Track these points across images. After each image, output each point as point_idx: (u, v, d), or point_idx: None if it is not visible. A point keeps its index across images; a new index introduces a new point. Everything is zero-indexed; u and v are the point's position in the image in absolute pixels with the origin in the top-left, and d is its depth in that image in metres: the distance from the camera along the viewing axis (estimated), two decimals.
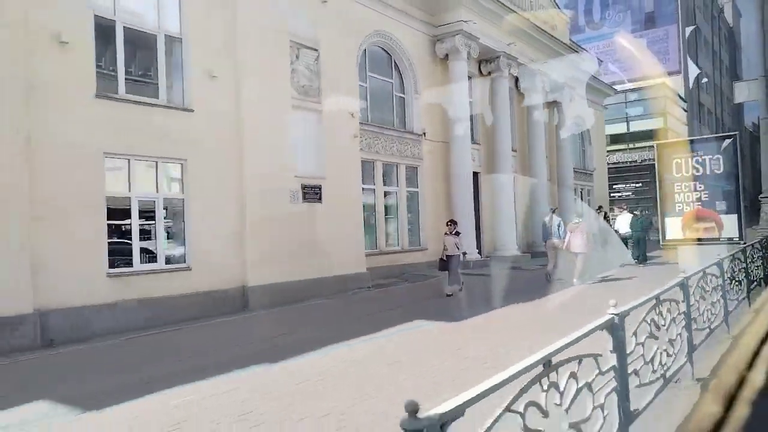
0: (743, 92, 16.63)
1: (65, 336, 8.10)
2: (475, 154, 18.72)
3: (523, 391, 2.10)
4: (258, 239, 10.70)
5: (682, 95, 41.00)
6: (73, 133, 8.38)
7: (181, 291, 9.63)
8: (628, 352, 3.32)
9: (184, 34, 10.14)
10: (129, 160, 9.26)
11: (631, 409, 3.24)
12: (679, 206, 9.87)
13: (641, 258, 14.63)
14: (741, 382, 0.80)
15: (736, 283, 7.36)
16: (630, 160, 38.85)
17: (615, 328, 3.10)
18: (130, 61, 9.71)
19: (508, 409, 1.99)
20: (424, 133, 16.90)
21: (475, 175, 18.48)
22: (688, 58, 42.36)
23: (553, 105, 23.91)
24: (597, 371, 2.82)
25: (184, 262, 9.94)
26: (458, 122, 16.93)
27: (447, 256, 11.63)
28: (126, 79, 9.38)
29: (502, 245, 18.93)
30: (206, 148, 10.15)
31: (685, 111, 40.96)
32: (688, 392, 4.32)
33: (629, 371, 3.31)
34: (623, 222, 14.97)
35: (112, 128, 8.88)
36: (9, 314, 7.58)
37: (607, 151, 35.04)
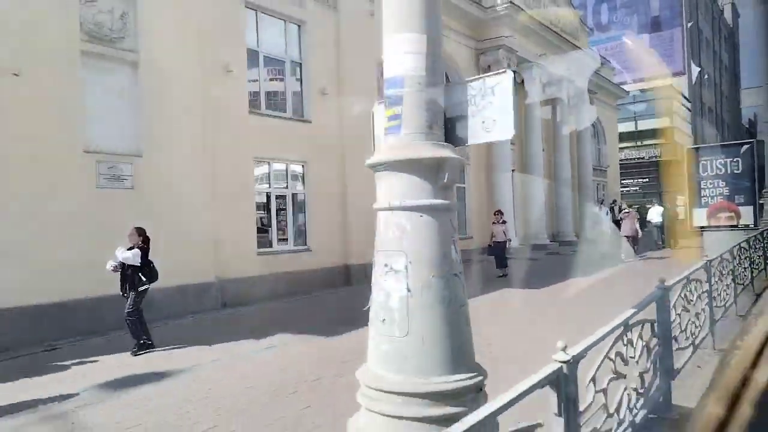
0: (751, 98, 19.12)
1: (234, 300, 10.44)
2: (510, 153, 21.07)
3: (616, 341, 2.95)
4: (356, 227, 13.04)
5: (686, 94, 43.45)
6: (235, 142, 10.68)
7: (305, 267, 11.98)
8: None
9: (303, 59, 12.44)
10: (269, 162, 11.58)
11: (675, 367, 4.04)
12: (705, 199, 12.26)
13: (664, 242, 17.16)
14: (744, 382, 0.67)
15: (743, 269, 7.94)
16: (637, 156, 41.29)
17: (662, 300, 3.89)
18: (266, 82, 12.00)
19: (606, 356, 2.79)
20: None
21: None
22: (691, 60, 44.79)
23: (573, 108, 26.24)
24: (650, 334, 3.58)
25: (305, 244, 12.29)
26: None
27: (495, 242, 13.89)
28: (265, 97, 11.69)
29: (533, 235, 21.31)
30: (320, 151, 12.48)
31: (689, 111, 43.38)
32: (710, 358, 5.27)
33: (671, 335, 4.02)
34: (655, 213, 17.45)
35: (258, 137, 11.18)
36: (199, 282, 9.91)
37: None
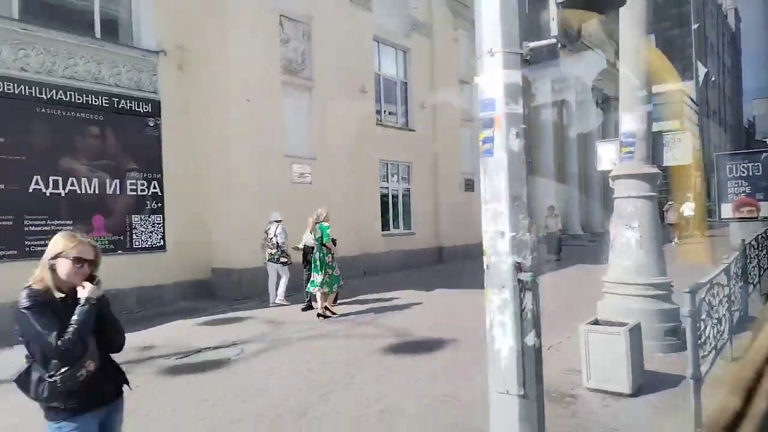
0: (761, 107, 22.30)
1: (369, 270, 13.40)
2: None
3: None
4: (444, 217, 16.01)
5: (693, 97, 46.54)
6: (368, 148, 13.60)
7: (412, 247, 14.96)
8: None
9: (408, 79, 15.39)
10: (387, 163, 14.55)
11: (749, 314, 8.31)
12: (731, 195, 15.27)
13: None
14: (760, 376, 0.74)
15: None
16: None
17: (743, 251, 7.81)
18: (380, 98, 14.94)
19: (710, 284, 7.22)
20: None
21: None
22: (699, 64, 47.84)
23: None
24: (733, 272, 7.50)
25: (410, 228, 15.28)
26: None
27: (549, 233, 16.84)
28: (384, 111, 14.64)
29: (570, 226, 24.35)
30: (420, 155, 15.44)
31: (697, 113, 46.48)
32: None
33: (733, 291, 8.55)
34: (689, 207, 20.52)
35: (381, 144, 14.12)
36: (349, 255, 12.85)
37: None
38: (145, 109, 9.82)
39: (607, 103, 30.68)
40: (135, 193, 9.64)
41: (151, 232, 9.83)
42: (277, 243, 9.34)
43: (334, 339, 7.10)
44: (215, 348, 6.67)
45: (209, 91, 10.45)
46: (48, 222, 8.43)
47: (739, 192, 15.27)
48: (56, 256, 2.25)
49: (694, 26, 47.30)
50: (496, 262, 2.76)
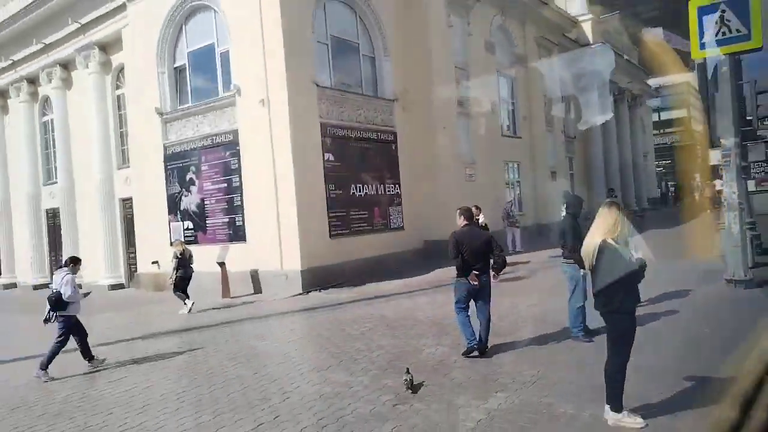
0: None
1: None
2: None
3: None
4: (540, 198, 21.34)
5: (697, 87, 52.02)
6: (495, 153, 18.85)
7: (524, 222, 20.31)
8: None
9: (515, 99, 20.70)
10: (507, 164, 19.89)
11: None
12: (756, 174, 20.67)
13: None
14: (759, 387, 0.75)
15: None
16: (661, 143, 49.82)
17: None
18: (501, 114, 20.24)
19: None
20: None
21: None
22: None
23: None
24: None
25: (521, 210, 20.62)
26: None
27: None
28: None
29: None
30: (525, 156, 20.77)
31: (702, 102, 51.95)
32: None
33: None
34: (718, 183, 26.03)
35: (503, 148, 19.40)
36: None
37: None
38: (390, 138, 15.11)
39: (621, 94, 35.79)
40: (389, 193, 14.93)
41: (397, 218, 15.13)
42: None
43: None
44: None
45: (421, 122, 15.69)
46: (358, 212, 13.72)
47: (760, 171, 20.70)
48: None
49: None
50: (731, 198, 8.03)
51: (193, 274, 11.53)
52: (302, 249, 12.16)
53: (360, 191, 13.96)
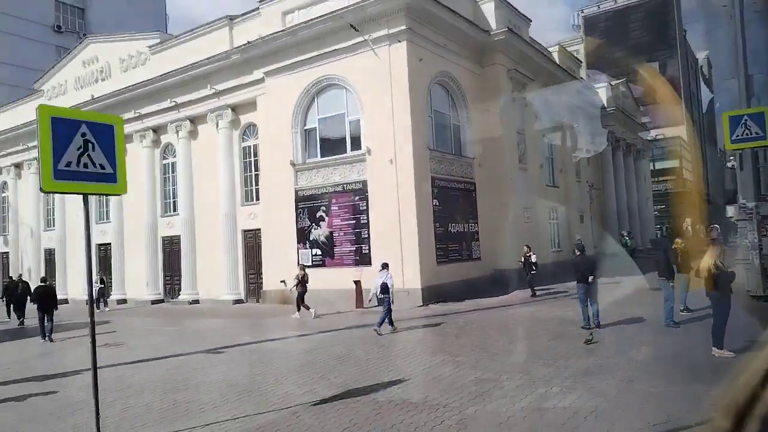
0: None
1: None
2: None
3: None
4: (571, 236, 25.55)
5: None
6: (544, 198, 23.09)
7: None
8: None
9: (554, 156, 25.15)
10: (550, 208, 24.13)
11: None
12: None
13: None
14: (753, 400, 0.75)
15: None
16: (655, 189, 54.83)
17: None
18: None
19: None
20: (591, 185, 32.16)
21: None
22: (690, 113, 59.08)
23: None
24: None
25: (559, 247, 24.79)
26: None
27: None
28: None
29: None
30: (562, 201, 25.07)
31: (690, 152, 57.53)
32: None
33: None
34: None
35: (546, 196, 23.65)
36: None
37: None
38: (471, 187, 19.30)
39: (628, 149, 40.42)
40: (471, 230, 19.00)
41: (476, 250, 19.15)
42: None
43: None
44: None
45: (493, 175, 19.89)
46: (453, 245, 17.73)
47: None
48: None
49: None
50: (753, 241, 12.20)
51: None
52: (421, 272, 16.10)
53: (453, 229, 18.02)
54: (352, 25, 16.52)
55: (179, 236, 22.60)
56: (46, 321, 14.41)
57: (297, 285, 15.39)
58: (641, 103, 53.18)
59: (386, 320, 11.79)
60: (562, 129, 25.58)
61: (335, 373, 8.48)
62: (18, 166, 30.09)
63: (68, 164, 5.54)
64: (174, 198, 23.34)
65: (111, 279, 24.85)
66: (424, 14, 17.00)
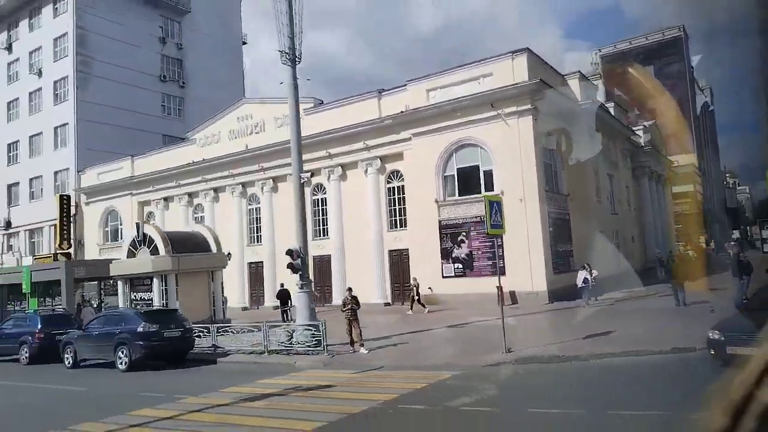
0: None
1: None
2: None
3: None
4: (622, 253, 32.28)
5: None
6: (610, 224, 29.82)
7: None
8: None
9: (612, 189, 32.05)
10: (613, 231, 30.91)
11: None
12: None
13: None
14: (749, 399, 0.77)
15: None
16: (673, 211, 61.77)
17: None
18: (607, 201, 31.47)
19: None
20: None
21: None
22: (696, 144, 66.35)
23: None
24: None
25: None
26: None
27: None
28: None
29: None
30: (619, 226, 31.83)
31: (701, 176, 64.74)
32: None
33: None
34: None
35: (610, 222, 30.39)
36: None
37: None
38: (567, 216, 26.10)
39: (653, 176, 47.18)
40: (568, 249, 25.76)
41: (572, 263, 25.84)
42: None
43: None
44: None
45: (581, 208, 26.65)
46: (558, 259, 24.47)
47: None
48: None
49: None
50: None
51: None
52: (546, 279, 22.77)
53: (558, 248, 24.74)
54: (492, 105, 23.46)
55: (330, 255, 29.27)
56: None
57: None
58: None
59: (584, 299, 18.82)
60: (617, 168, 32.53)
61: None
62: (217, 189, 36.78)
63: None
64: (324, 226, 30.03)
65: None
66: (541, 96, 23.98)
